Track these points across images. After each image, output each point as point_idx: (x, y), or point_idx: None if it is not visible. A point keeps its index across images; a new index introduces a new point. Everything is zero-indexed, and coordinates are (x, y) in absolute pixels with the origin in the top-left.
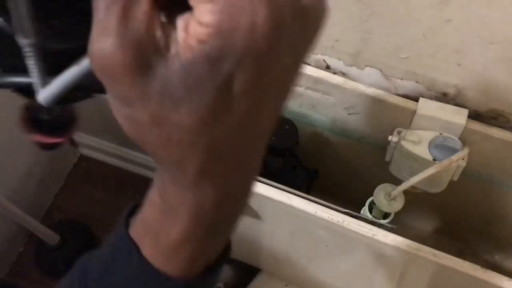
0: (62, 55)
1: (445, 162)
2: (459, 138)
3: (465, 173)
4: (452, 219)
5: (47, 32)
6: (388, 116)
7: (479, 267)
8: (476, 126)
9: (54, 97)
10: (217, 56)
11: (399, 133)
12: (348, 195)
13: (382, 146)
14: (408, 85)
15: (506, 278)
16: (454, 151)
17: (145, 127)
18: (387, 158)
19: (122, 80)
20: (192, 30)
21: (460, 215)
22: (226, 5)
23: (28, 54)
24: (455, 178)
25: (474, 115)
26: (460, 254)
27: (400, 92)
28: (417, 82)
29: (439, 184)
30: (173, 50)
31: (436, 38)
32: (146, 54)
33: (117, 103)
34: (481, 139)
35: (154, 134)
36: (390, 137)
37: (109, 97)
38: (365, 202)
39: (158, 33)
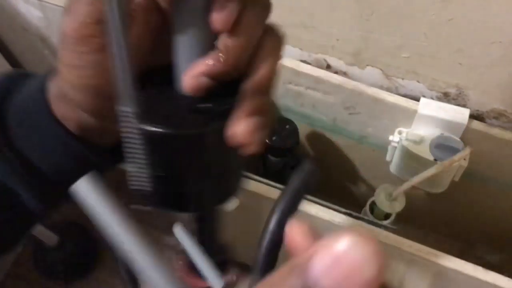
0: None
1: (447, 162)
2: (461, 138)
3: (466, 173)
4: (453, 220)
5: None
6: (389, 116)
7: (480, 268)
8: (478, 126)
9: None
10: None
11: (400, 133)
12: (349, 195)
13: (383, 146)
14: (409, 85)
15: (507, 279)
16: (455, 151)
17: None
18: (388, 158)
19: None
20: None
21: (461, 216)
22: None
23: None
24: (457, 179)
25: (476, 115)
26: (461, 255)
27: (401, 91)
28: (418, 81)
29: (441, 185)
30: None
31: (438, 38)
32: None
33: None
34: (483, 139)
35: None
36: (391, 137)
37: None
38: (366, 202)
39: None
